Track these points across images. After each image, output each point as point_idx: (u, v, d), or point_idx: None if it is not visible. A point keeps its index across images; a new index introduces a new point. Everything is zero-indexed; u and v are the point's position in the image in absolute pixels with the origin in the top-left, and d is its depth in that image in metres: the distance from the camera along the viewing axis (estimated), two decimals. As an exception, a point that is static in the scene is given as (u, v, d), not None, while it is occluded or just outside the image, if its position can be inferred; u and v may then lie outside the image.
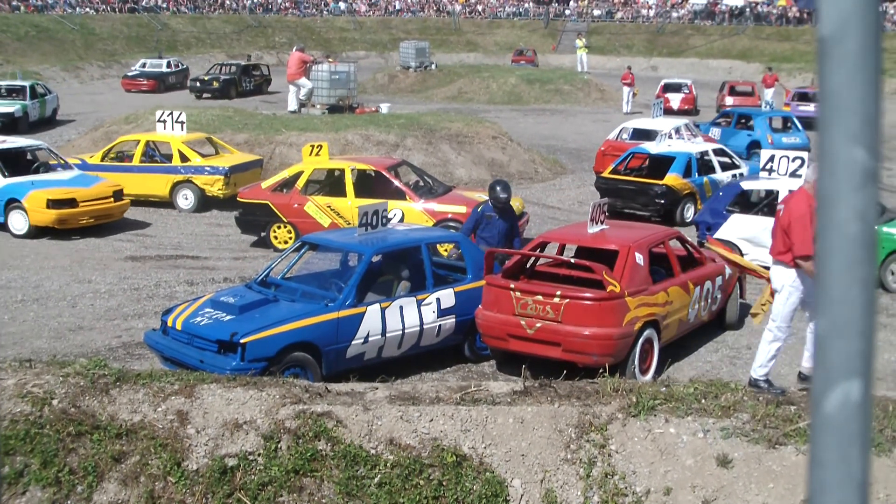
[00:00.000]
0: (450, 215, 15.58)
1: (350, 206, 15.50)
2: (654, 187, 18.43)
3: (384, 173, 16.32)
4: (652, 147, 19.95)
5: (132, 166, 19.57)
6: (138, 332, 11.69)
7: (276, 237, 16.29)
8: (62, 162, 18.51)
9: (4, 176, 17.21)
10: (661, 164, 19.02)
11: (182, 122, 19.94)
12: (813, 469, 0.88)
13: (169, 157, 19.88)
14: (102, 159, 19.71)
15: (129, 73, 44.41)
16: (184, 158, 19.62)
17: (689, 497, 6.88)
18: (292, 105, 27.58)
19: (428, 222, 15.07)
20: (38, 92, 30.88)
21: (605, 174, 19.64)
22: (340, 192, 16.35)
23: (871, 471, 0.89)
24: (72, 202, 17.02)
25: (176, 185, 19.51)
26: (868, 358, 0.85)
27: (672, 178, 18.43)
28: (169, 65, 45.03)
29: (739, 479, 6.85)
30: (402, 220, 15.31)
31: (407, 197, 15.89)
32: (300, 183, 16.45)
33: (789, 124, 26.98)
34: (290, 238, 15.94)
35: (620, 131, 24.04)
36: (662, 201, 18.40)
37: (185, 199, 19.56)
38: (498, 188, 12.51)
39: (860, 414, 0.86)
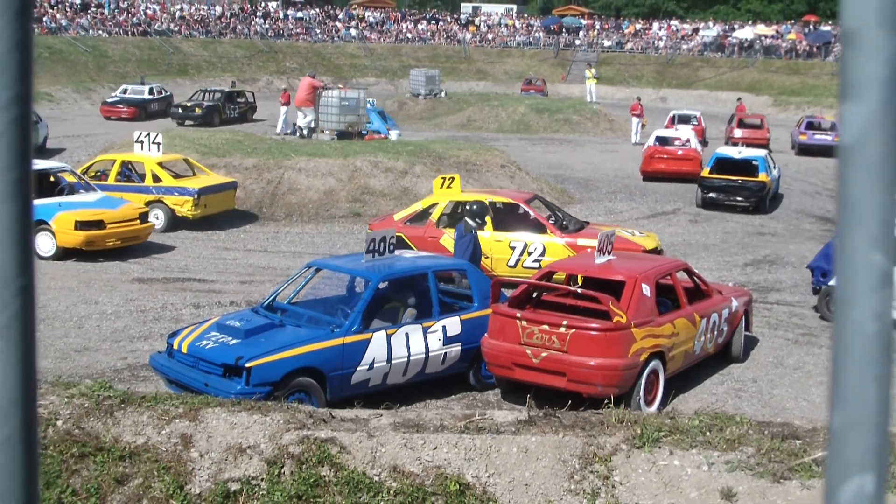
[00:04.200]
0: (588, 250, 15.05)
1: (489, 238, 15.26)
2: (754, 184, 23.85)
3: (524, 206, 16.11)
4: (734, 153, 25.22)
5: (107, 185, 19.55)
6: (144, 354, 11.70)
7: None
8: (84, 184, 18.56)
9: None
10: (747, 165, 24.35)
11: (158, 143, 20.11)
12: None
13: (143, 178, 20.04)
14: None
15: (109, 100, 41.49)
16: (157, 179, 19.78)
17: (693, 531, 6.84)
18: (301, 123, 27.78)
19: None
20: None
21: (705, 174, 24.59)
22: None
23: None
24: (100, 224, 17.05)
25: (147, 206, 19.46)
26: (882, 452, 0.88)
27: (763, 176, 24.04)
28: (151, 91, 41.86)
29: (744, 513, 6.80)
30: (543, 253, 15.29)
31: (548, 231, 15.71)
32: (435, 216, 16.25)
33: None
34: None
35: (655, 139, 29.73)
36: (762, 194, 23.79)
37: (156, 219, 19.53)
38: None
39: None
